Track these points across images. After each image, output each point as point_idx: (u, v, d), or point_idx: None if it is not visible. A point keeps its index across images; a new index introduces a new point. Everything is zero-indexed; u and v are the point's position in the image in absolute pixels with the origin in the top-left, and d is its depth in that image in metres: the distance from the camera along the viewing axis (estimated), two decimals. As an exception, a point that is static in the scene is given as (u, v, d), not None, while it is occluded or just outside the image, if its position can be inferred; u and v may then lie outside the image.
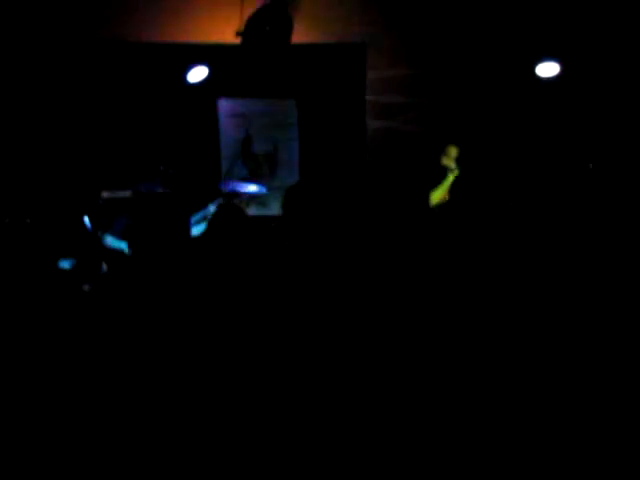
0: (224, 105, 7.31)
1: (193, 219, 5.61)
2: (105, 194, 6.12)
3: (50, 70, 6.55)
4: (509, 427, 2.83)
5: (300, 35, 6.59)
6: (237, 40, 6.47)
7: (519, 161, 6.81)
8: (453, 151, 6.11)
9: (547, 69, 6.86)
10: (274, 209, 6.97)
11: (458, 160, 6.07)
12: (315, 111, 7.32)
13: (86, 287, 4.78)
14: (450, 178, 6.02)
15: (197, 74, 6.69)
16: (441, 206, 5.91)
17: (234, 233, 3.25)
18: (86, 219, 5.77)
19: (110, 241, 5.67)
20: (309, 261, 3.00)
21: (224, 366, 2.62)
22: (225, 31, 6.52)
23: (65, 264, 4.87)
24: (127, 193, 6.06)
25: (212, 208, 5.80)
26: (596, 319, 3.35)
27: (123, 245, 5.50)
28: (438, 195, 6.01)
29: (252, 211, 6.86)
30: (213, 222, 3.35)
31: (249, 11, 6.38)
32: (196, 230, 5.42)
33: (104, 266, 5.30)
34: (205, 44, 6.80)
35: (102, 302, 2.72)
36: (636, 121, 6.84)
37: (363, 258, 3.26)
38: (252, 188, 6.55)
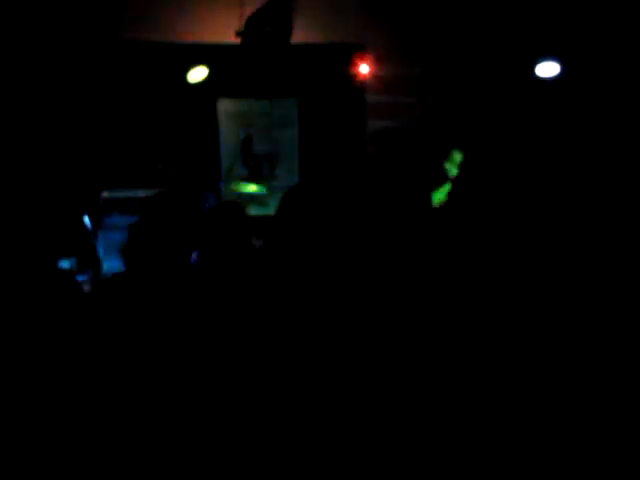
0: (224, 105, 7.31)
1: None
2: (105, 194, 6.13)
3: (50, 70, 6.55)
4: (509, 427, 2.83)
5: (300, 35, 6.60)
6: (237, 40, 6.47)
7: (519, 161, 6.81)
8: (458, 157, 6.12)
9: (547, 69, 6.86)
10: (274, 209, 6.96)
11: (460, 165, 6.08)
12: (315, 111, 7.32)
13: (86, 280, 4.78)
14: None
15: (197, 74, 6.69)
16: (440, 208, 5.92)
17: (233, 231, 3.25)
18: (86, 219, 5.77)
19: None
20: (308, 262, 3.00)
21: (224, 365, 2.62)
22: (225, 31, 6.52)
23: (65, 264, 4.87)
24: (126, 193, 6.07)
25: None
26: (597, 320, 3.35)
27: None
28: (439, 198, 6.01)
29: (252, 211, 6.87)
30: (211, 219, 3.34)
31: (249, 11, 6.38)
32: None
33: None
34: (205, 44, 6.80)
35: (102, 301, 2.72)
36: (636, 121, 6.84)
37: (363, 258, 3.26)
38: (252, 188, 6.55)
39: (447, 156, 6.16)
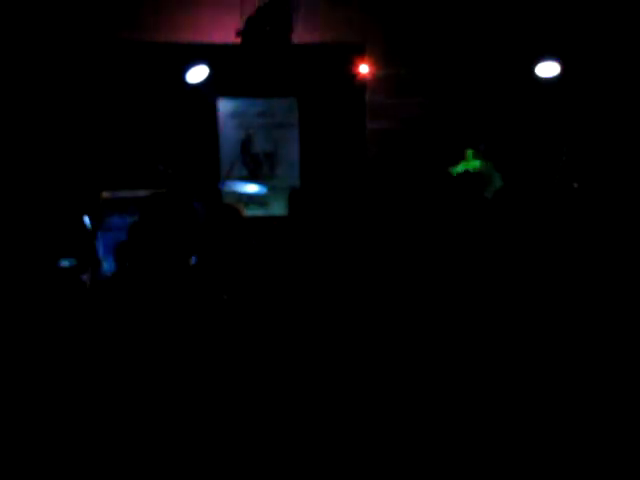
0: (224, 105, 7.32)
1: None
2: (105, 194, 6.12)
3: (50, 70, 6.55)
4: (509, 427, 2.83)
5: (300, 35, 6.59)
6: (237, 40, 6.47)
7: (519, 160, 6.81)
8: (469, 154, 6.18)
9: (547, 69, 6.87)
10: (274, 209, 6.97)
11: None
12: (315, 111, 7.33)
13: (85, 278, 4.77)
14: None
15: (197, 74, 6.69)
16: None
17: (230, 234, 3.25)
18: (86, 219, 5.77)
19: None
20: (314, 262, 3.00)
21: (223, 367, 2.62)
22: (225, 31, 6.52)
23: (65, 264, 4.86)
24: (126, 193, 6.06)
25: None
26: (597, 320, 3.35)
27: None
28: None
29: (252, 211, 6.86)
30: (208, 223, 3.34)
31: (249, 11, 6.38)
32: None
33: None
34: (205, 44, 6.81)
35: (102, 300, 2.72)
36: (636, 121, 6.84)
37: (367, 258, 3.26)
38: (252, 188, 6.55)
39: (463, 157, 6.22)
